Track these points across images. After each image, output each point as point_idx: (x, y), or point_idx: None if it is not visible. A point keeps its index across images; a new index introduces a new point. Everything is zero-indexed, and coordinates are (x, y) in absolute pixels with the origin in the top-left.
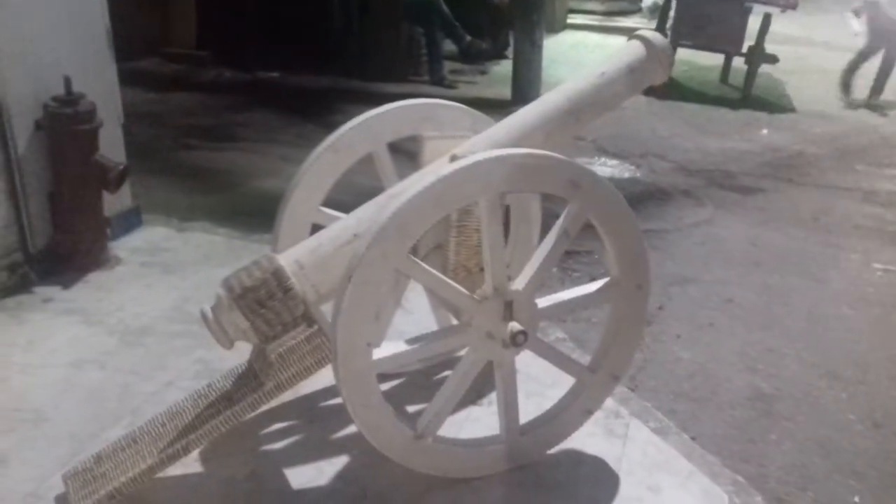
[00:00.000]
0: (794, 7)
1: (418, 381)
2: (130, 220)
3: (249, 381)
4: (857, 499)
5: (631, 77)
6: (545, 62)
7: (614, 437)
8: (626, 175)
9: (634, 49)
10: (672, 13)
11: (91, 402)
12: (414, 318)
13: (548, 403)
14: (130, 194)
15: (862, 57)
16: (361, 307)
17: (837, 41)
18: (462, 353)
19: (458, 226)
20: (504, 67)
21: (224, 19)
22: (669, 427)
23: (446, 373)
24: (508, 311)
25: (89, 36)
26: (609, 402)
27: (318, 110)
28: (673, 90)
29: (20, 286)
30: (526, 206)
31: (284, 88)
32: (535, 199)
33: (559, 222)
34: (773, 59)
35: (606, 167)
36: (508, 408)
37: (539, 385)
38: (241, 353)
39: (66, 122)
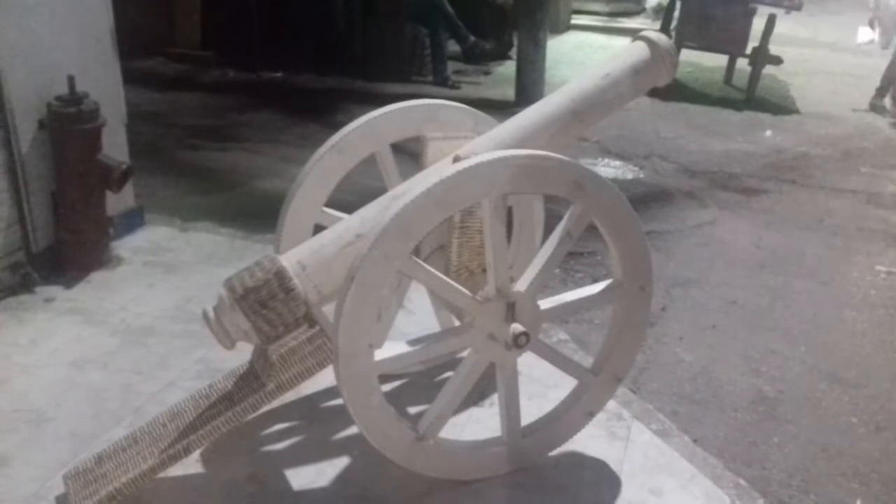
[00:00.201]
0: (798, 8)
1: (420, 382)
2: (133, 220)
3: (251, 381)
4: (859, 502)
5: (635, 78)
6: (549, 63)
7: (616, 439)
8: (630, 176)
9: (639, 50)
10: (676, 14)
11: (92, 402)
12: (416, 318)
13: (550, 405)
14: (133, 194)
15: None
16: (363, 308)
17: (842, 43)
18: (464, 354)
19: (461, 227)
20: (508, 68)
21: (228, 20)
22: (671, 429)
23: (448, 374)
24: (511, 312)
25: (93, 35)
26: (611, 404)
27: (322, 110)
28: (677, 91)
29: (22, 286)
30: (529, 208)
31: (288, 89)
32: (538, 201)
33: (562, 224)
34: (777, 61)
35: (610, 168)
36: (510, 409)
37: (541, 387)
38: (243, 353)
39: (69, 122)
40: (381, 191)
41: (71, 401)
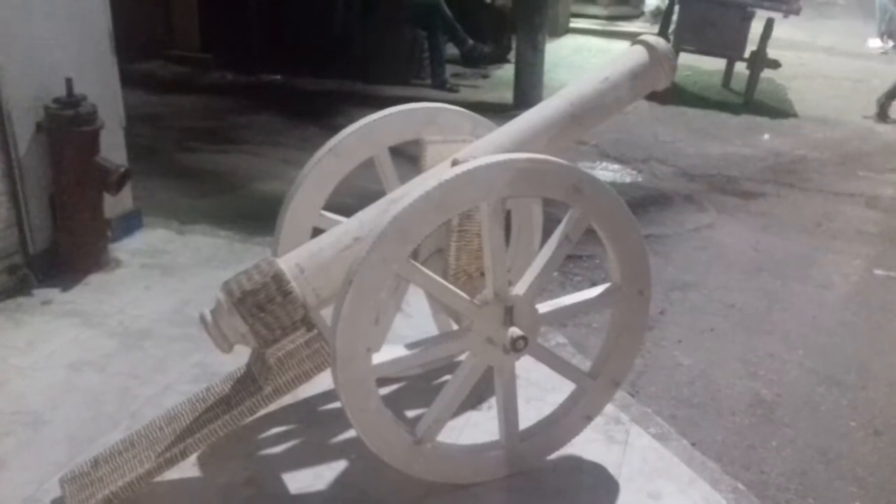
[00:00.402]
0: (796, 13)
1: (418, 386)
2: (131, 223)
3: (248, 385)
4: None
5: (634, 82)
6: (547, 66)
7: (614, 443)
8: (628, 180)
9: (637, 54)
10: (674, 18)
11: (89, 406)
12: (414, 321)
13: (548, 409)
14: (131, 196)
15: None
16: (361, 311)
17: (840, 46)
18: (462, 357)
19: (459, 230)
20: (506, 71)
21: (227, 22)
22: (670, 433)
23: (446, 377)
24: (509, 316)
25: (91, 38)
26: (609, 408)
27: (321, 113)
28: (675, 95)
29: (20, 288)
30: (527, 211)
31: (287, 91)
32: (537, 204)
33: (560, 227)
34: (775, 65)
35: (608, 171)
36: (508, 413)
37: (539, 390)
38: (241, 357)
39: (67, 124)
40: (379, 194)
41: (68, 404)
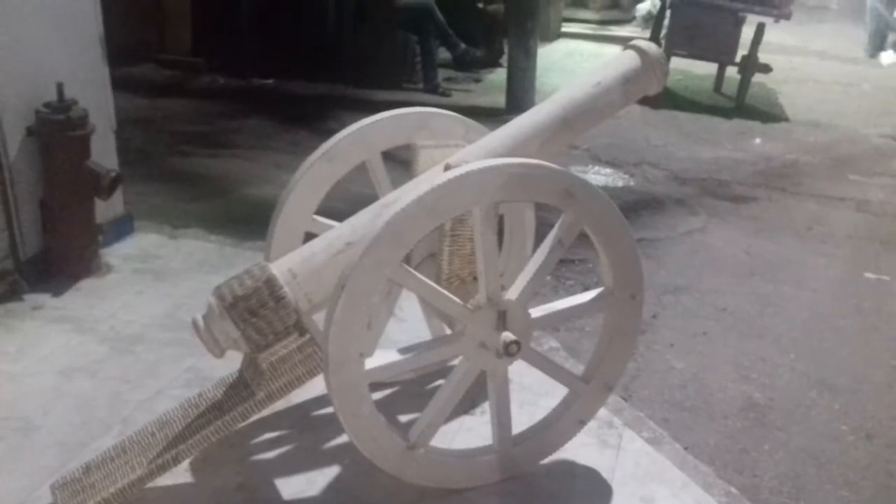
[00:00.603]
0: (787, 17)
1: (411, 390)
2: (122, 227)
3: (240, 390)
4: None
5: (626, 87)
6: (539, 71)
7: (607, 447)
8: (620, 184)
9: (629, 59)
10: (666, 23)
11: (81, 411)
12: (407, 326)
13: (541, 413)
14: (122, 201)
15: None
16: (354, 316)
17: (831, 51)
18: (455, 362)
19: (452, 235)
20: (498, 76)
21: (219, 26)
22: (663, 437)
23: (439, 382)
24: (502, 320)
25: (82, 42)
26: (602, 412)
27: (313, 117)
28: (667, 99)
29: (10, 293)
30: (520, 216)
31: (279, 95)
32: (529, 209)
33: (553, 232)
34: (766, 69)
35: (600, 176)
36: (501, 418)
37: (532, 395)
38: (233, 362)
39: (57, 129)
40: (372, 199)
41: (59, 409)
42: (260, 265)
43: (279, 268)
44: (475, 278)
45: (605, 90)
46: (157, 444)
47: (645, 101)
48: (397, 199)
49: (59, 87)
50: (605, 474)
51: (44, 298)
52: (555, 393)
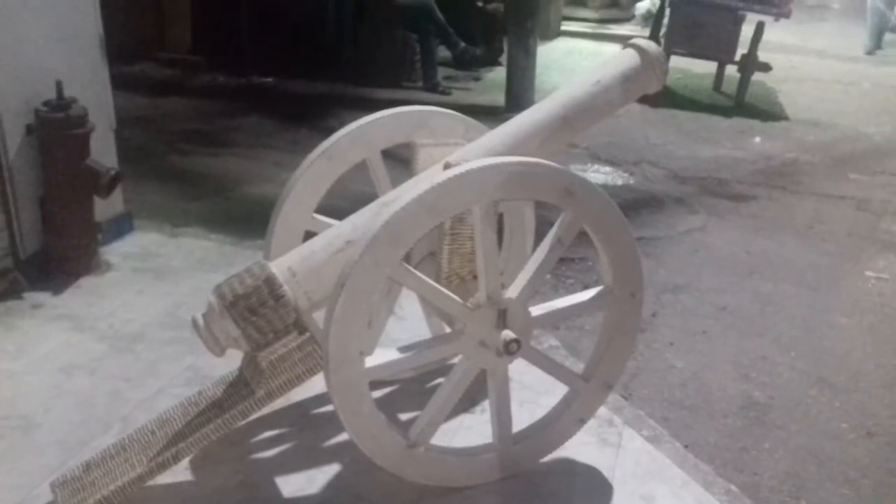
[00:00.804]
0: (787, 16)
1: (411, 389)
2: (122, 226)
3: (240, 388)
4: None
5: (625, 85)
6: (539, 69)
7: (607, 445)
8: (620, 182)
9: (629, 58)
10: (665, 21)
11: (81, 409)
12: (407, 325)
13: (541, 412)
14: (122, 199)
15: None
16: (354, 315)
17: (830, 50)
18: (455, 360)
19: (452, 233)
20: (498, 74)
21: (219, 24)
22: (663, 435)
23: (439, 380)
24: (502, 319)
25: (82, 40)
26: (602, 411)
27: (313, 116)
28: (666, 98)
29: (10, 292)
30: (520, 214)
31: (278, 94)
32: (529, 207)
33: (553, 230)
34: (765, 68)
35: (600, 174)
36: (501, 416)
37: (532, 393)
38: (233, 360)
39: (57, 127)
40: (371, 197)
41: (59, 407)
42: (260, 264)
43: (279, 266)
44: (475, 277)
45: (605, 89)
46: (157, 442)
47: (644, 99)
48: (397, 198)
49: (59, 86)
50: (605, 473)
51: (43, 297)
52: (555, 391)
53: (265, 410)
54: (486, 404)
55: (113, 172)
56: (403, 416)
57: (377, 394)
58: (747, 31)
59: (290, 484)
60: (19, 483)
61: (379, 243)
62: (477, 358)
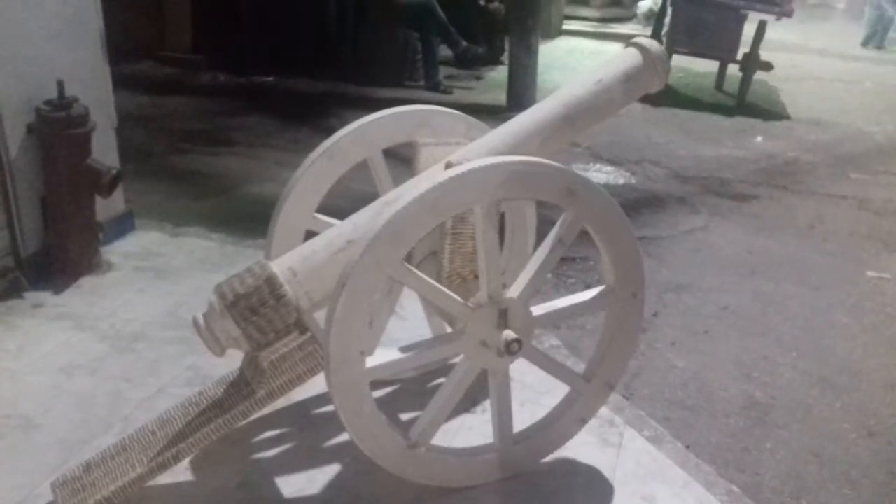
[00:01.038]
0: (789, 15)
1: (412, 389)
2: (123, 225)
3: (241, 388)
4: None
5: (627, 85)
6: (541, 68)
7: (608, 445)
8: (621, 182)
9: (631, 57)
10: (667, 20)
11: (81, 409)
12: (408, 324)
13: (542, 412)
14: (123, 199)
15: None
16: (355, 315)
17: (832, 49)
18: (456, 360)
19: (453, 233)
20: (500, 73)
21: (219, 23)
22: (664, 435)
23: (440, 380)
24: (503, 319)
25: (83, 39)
26: (603, 411)
27: (314, 115)
28: (668, 97)
29: (11, 291)
30: (521, 214)
31: (279, 93)
32: (531, 206)
33: (554, 230)
34: (767, 67)
35: (601, 173)
36: (502, 416)
37: (533, 393)
38: (234, 360)
39: (58, 126)
40: (373, 196)
41: (59, 407)
42: (261, 263)
43: (280, 266)
44: (476, 276)
45: (607, 88)
46: (157, 442)
47: (646, 98)
48: (398, 197)
49: (60, 85)
50: (606, 473)
51: (44, 296)
52: (556, 391)
53: (266, 410)
54: (487, 404)
55: (114, 172)
56: (404, 417)
57: (378, 394)
58: (749, 29)
59: (291, 484)
60: (20, 483)
61: (380, 243)
62: (478, 358)
